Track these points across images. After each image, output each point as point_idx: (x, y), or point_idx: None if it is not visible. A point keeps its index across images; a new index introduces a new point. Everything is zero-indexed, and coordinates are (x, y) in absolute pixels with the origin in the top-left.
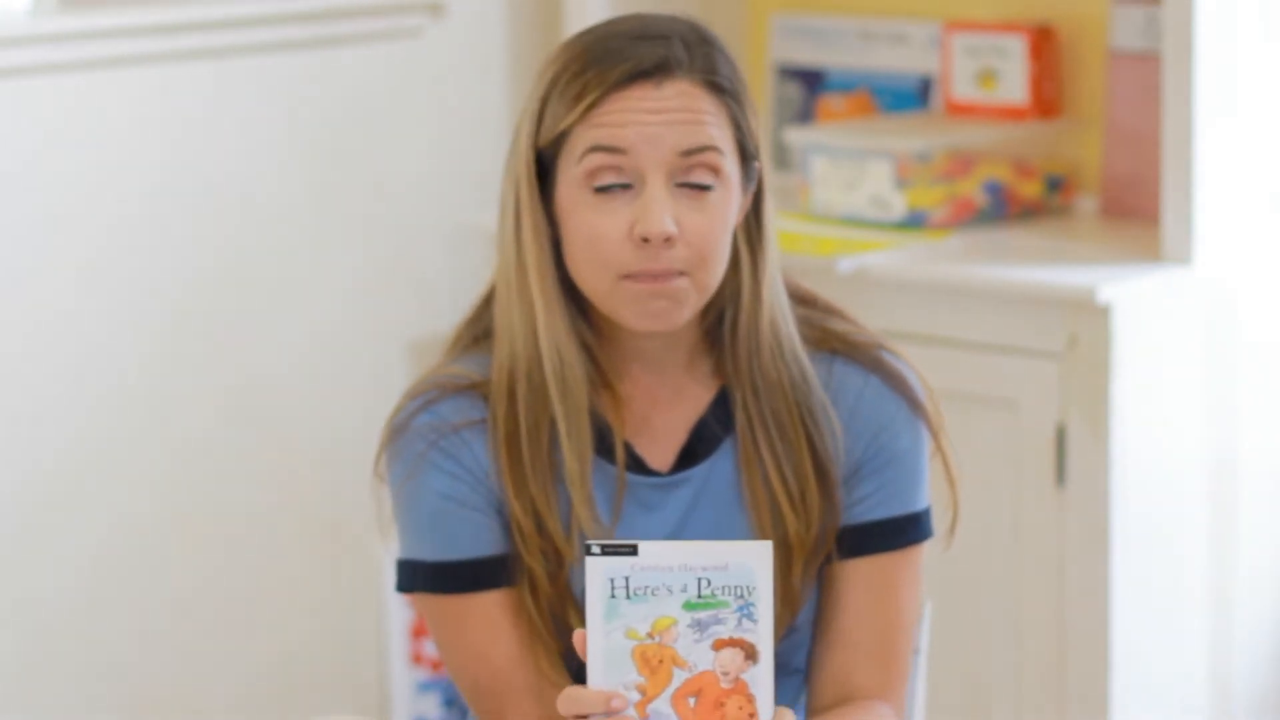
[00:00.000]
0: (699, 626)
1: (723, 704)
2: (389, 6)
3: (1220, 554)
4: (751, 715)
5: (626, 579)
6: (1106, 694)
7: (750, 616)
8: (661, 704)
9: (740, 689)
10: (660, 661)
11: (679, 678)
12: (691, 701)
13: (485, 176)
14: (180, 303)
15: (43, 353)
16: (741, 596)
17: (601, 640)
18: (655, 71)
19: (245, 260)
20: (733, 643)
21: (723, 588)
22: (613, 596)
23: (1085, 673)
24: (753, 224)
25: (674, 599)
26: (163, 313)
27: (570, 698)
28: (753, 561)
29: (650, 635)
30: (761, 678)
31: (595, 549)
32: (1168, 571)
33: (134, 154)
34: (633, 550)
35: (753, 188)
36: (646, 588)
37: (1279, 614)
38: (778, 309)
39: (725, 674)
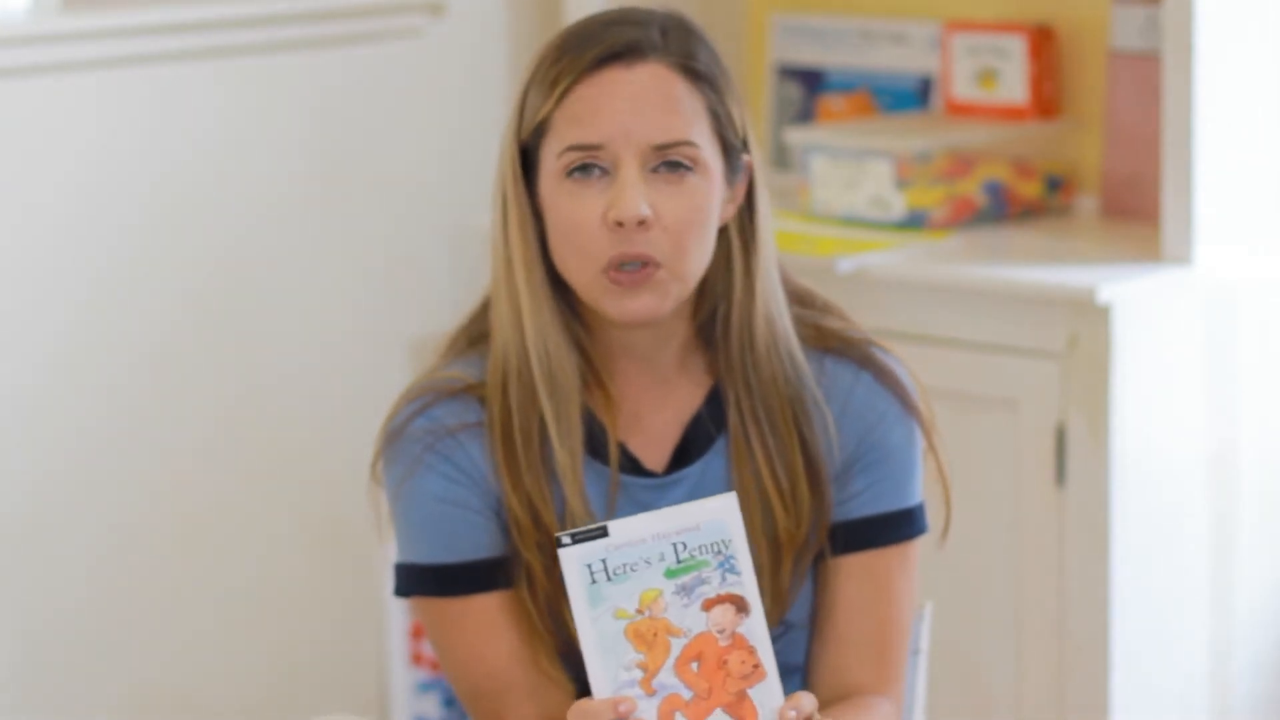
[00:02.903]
0: (685, 591)
1: (725, 661)
2: (389, 6)
3: (1220, 554)
4: (755, 666)
5: (603, 561)
6: (1106, 694)
7: (732, 569)
8: (665, 675)
9: (739, 643)
10: (655, 635)
11: (677, 646)
12: (694, 666)
13: (485, 176)
14: (180, 302)
15: (41, 353)
16: (719, 552)
17: (591, 628)
18: (627, 53)
19: (245, 260)
20: (721, 599)
21: (700, 547)
22: (593, 582)
23: (1085, 673)
24: (745, 219)
25: (654, 570)
26: (163, 313)
27: (580, 711)
28: (722, 515)
29: (639, 611)
30: (756, 627)
31: (565, 540)
32: (1168, 571)
33: (134, 154)
34: (603, 532)
35: (740, 180)
36: (625, 565)
37: (1279, 614)
38: (773, 305)
39: (721, 631)
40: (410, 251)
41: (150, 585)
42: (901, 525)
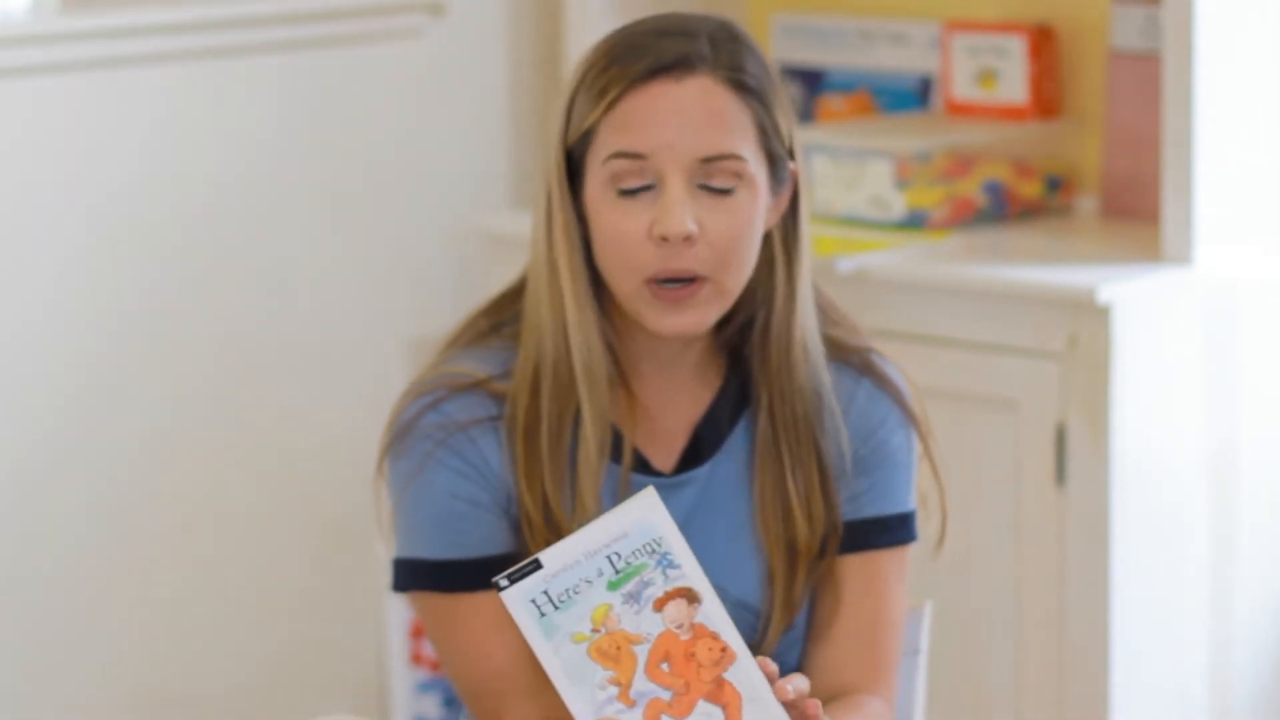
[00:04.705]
0: (632, 598)
1: (693, 653)
2: (389, 6)
3: (1220, 554)
4: (723, 649)
5: (546, 593)
6: (1106, 694)
7: (672, 564)
8: (640, 683)
9: (700, 632)
10: (618, 648)
11: (642, 652)
12: (665, 666)
13: (485, 176)
14: (179, 302)
15: (41, 352)
16: (654, 551)
17: (554, 659)
18: (676, 67)
19: (245, 260)
20: (670, 595)
21: (633, 552)
22: (542, 615)
23: (1085, 673)
24: (789, 225)
25: (596, 586)
26: (161, 312)
27: None
28: (647, 515)
29: (595, 630)
30: (713, 613)
31: (503, 582)
32: (1168, 571)
33: (133, 153)
34: (536, 565)
35: (785, 189)
36: (567, 590)
37: (1279, 614)
38: (809, 313)
39: (680, 626)
40: (410, 251)
41: (150, 585)
42: (899, 529)
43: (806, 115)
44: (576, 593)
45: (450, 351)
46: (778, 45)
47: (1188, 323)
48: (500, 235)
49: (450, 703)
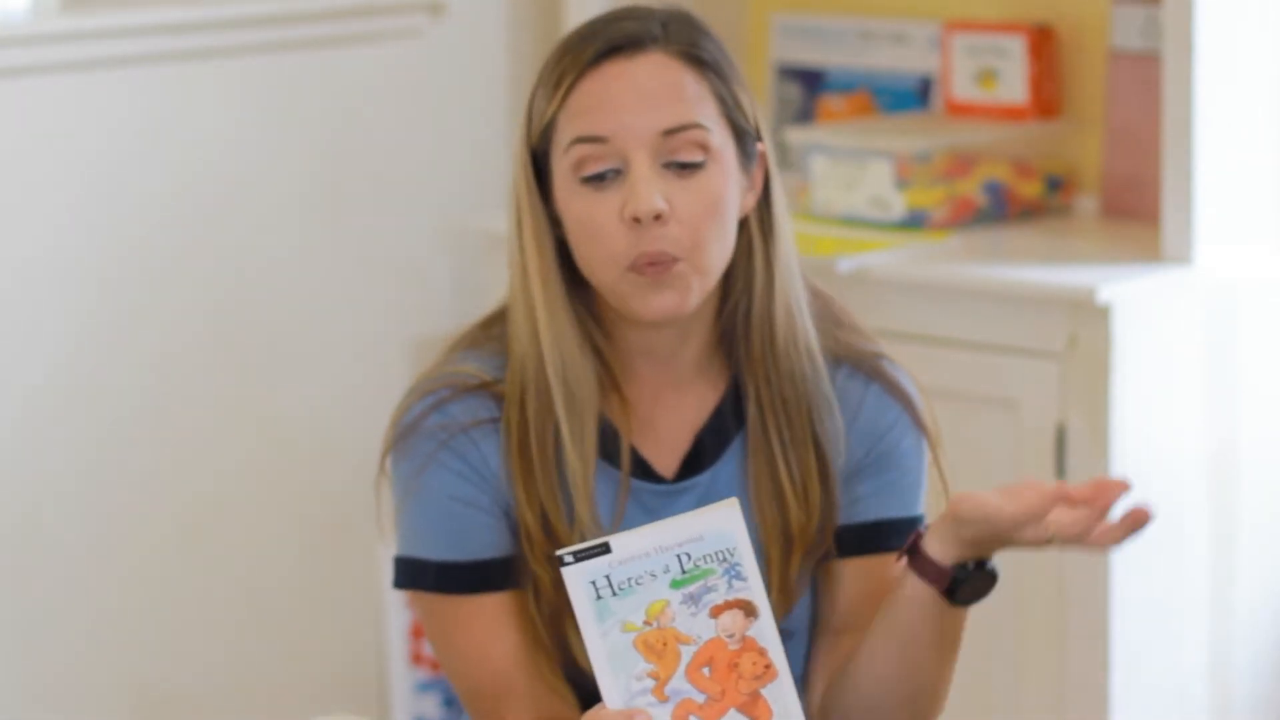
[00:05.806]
0: (692, 600)
1: (736, 664)
2: (389, 6)
3: (1220, 554)
4: (767, 666)
5: (608, 578)
6: (1106, 694)
7: (739, 576)
8: (678, 682)
9: (749, 645)
10: (664, 644)
11: (687, 653)
12: (706, 671)
13: (485, 177)
14: (181, 302)
15: (41, 352)
16: (724, 560)
17: (600, 643)
18: (628, 46)
19: (245, 260)
20: (729, 605)
21: (704, 557)
22: (599, 598)
23: (1085, 673)
24: (764, 211)
25: (660, 582)
26: (163, 312)
27: (593, 719)
28: (726, 523)
29: (647, 623)
30: (767, 630)
31: (568, 559)
32: (1168, 571)
33: (133, 154)
34: (605, 548)
35: (756, 168)
36: (630, 580)
37: (1279, 614)
38: (793, 297)
39: (731, 636)
40: (410, 252)
41: (150, 584)
42: (906, 533)
43: (806, 115)
44: (639, 583)
45: (453, 353)
46: (778, 45)
47: (1188, 323)
48: (500, 235)
49: (450, 703)
